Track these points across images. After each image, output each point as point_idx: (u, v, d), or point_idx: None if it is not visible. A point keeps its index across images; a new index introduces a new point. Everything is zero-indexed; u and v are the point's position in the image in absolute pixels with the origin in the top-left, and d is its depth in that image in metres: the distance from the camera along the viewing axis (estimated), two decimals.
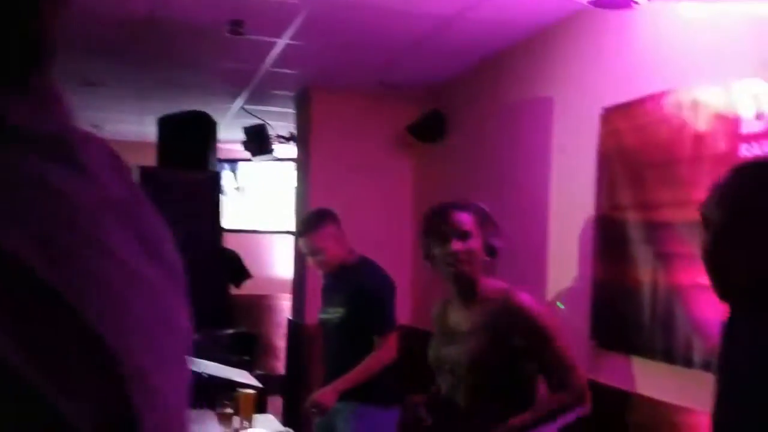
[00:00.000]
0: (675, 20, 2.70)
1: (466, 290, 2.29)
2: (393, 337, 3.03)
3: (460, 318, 2.31)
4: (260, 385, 2.87)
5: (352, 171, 4.98)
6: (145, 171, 4.04)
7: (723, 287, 1.37)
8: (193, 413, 2.78)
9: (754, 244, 1.31)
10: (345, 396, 2.95)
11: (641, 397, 2.72)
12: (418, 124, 4.72)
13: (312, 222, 3.12)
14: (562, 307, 2.96)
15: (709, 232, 1.35)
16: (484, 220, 2.30)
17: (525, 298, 2.24)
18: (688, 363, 2.49)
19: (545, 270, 3.44)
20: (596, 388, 2.38)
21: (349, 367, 2.97)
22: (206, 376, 2.73)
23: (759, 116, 2.24)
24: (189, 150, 4.51)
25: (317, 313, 3.29)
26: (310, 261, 3.18)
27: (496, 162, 4.02)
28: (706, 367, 2.36)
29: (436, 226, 2.29)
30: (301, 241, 3.14)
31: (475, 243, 2.24)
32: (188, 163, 4.42)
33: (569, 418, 2.19)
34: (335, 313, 3.06)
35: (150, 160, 5.15)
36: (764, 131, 2.22)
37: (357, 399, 2.95)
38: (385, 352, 2.99)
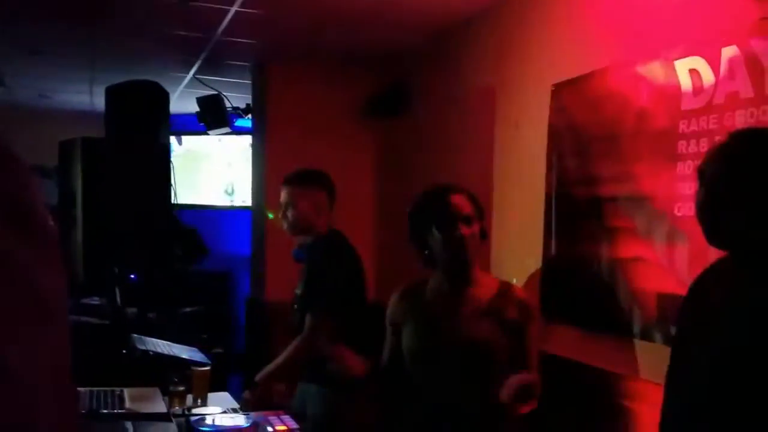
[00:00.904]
0: None
1: (460, 277, 2.20)
2: (326, 322, 2.78)
3: (453, 304, 2.21)
4: (209, 361, 2.77)
5: (310, 144, 4.88)
6: (88, 142, 3.84)
7: (719, 233, 1.49)
8: (143, 391, 2.68)
9: (745, 192, 1.43)
10: (312, 378, 2.85)
11: (587, 366, 2.75)
12: (376, 99, 4.63)
13: (305, 178, 2.95)
14: (515, 281, 2.89)
15: (703, 185, 1.47)
16: (475, 203, 2.23)
17: (523, 293, 2.29)
18: (628, 333, 2.54)
19: (488, 244, 3.40)
20: (545, 357, 2.43)
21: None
22: (152, 353, 2.63)
23: (697, 93, 2.25)
24: (139, 121, 4.32)
25: (277, 289, 3.17)
26: (280, 213, 3.02)
27: (451, 135, 3.99)
28: (644, 336, 2.45)
29: (437, 210, 2.17)
30: (285, 189, 2.95)
31: (476, 227, 2.18)
32: (138, 135, 4.24)
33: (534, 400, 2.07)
34: (298, 290, 2.96)
35: (102, 132, 4.96)
36: (702, 107, 2.23)
37: (322, 382, 2.83)
38: (308, 339, 2.79)
